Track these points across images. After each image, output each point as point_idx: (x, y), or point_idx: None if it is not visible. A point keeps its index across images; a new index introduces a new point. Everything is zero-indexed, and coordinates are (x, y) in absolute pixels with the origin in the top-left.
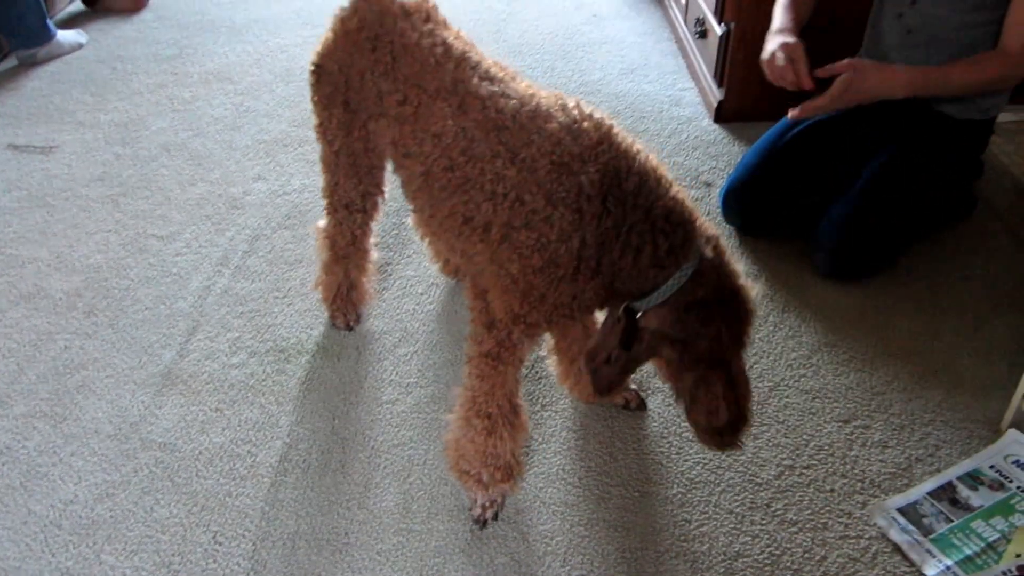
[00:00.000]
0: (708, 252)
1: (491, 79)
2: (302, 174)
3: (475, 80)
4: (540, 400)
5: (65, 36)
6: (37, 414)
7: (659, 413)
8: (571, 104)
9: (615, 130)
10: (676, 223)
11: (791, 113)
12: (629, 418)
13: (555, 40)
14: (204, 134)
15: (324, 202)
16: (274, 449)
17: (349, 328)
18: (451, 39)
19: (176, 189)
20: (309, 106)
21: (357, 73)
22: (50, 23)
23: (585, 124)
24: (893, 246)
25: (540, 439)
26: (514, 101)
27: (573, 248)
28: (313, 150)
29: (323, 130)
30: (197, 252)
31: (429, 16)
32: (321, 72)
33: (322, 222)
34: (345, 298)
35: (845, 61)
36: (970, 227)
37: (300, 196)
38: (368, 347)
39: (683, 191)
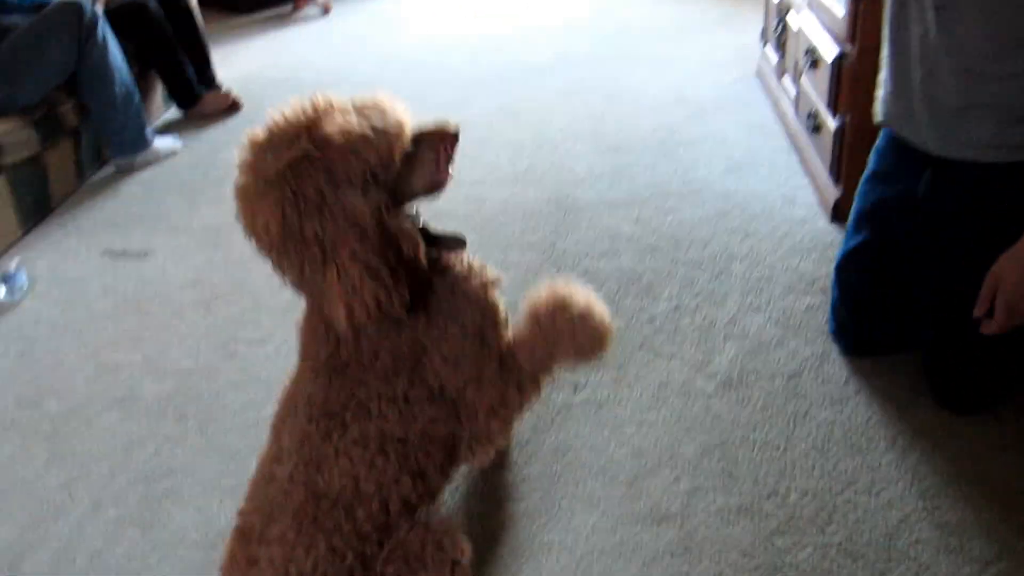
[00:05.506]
0: None
1: None
2: None
3: None
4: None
5: (161, 142)
6: (127, 519)
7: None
8: None
9: None
10: None
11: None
12: (735, 553)
13: (655, 136)
14: None
15: None
16: None
17: None
18: None
19: (266, 293)
20: None
21: None
22: (148, 131)
23: None
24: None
25: (648, 560)
26: None
27: None
28: None
29: None
30: (286, 357)
31: None
32: None
33: None
34: None
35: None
36: None
37: None
38: None
39: None
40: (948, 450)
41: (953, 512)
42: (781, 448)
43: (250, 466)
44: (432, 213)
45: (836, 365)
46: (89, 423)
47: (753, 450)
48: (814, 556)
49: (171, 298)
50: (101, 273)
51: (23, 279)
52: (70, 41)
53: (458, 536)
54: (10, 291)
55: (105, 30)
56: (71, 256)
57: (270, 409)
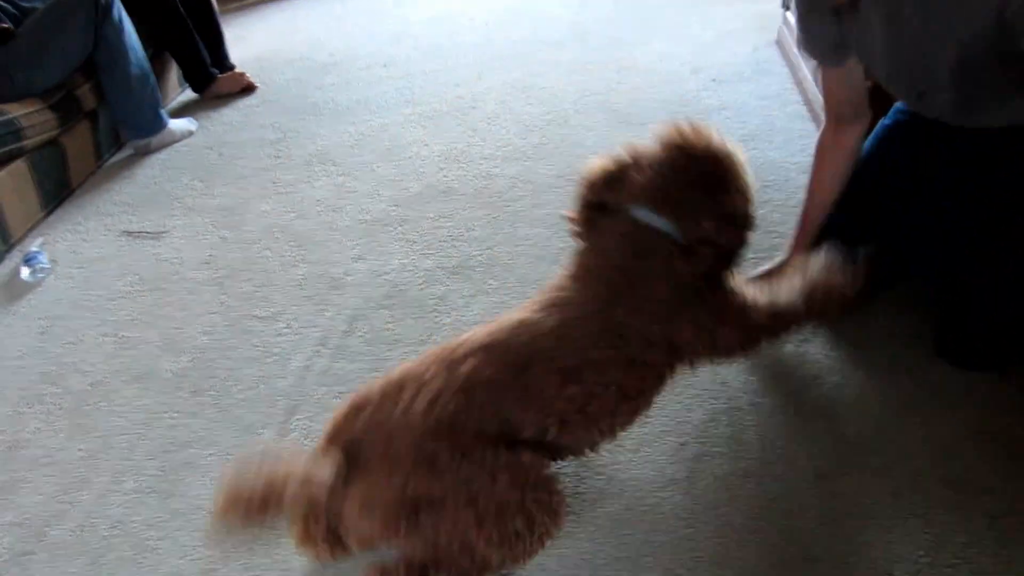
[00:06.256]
0: None
1: None
2: (401, 254)
3: None
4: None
5: (176, 124)
6: (147, 490)
7: (765, 502)
8: None
9: None
10: None
11: None
12: (743, 508)
13: (669, 108)
14: (306, 216)
15: None
16: None
17: None
18: None
19: (278, 270)
20: (409, 184)
21: None
22: (163, 113)
23: None
24: None
25: (649, 531)
26: None
27: None
28: (412, 229)
29: None
30: (298, 332)
31: None
32: None
33: None
34: None
35: None
36: None
37: (399, 276)
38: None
39: None
40: (956, 410)
41: (960, 469)
42: (790, 413)
43: (264, 437)
44: (442, 189)
45: (845, 329)
46: (109, 398)
47: (760, 415)
48: (821, 516)
49: (186, 277)
50: (119, 253)
51: (45, 260)
52: (87, 23)
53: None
54: (33, 272)
55: (121, 12)
56: (90, 237)
57: (282, 383)
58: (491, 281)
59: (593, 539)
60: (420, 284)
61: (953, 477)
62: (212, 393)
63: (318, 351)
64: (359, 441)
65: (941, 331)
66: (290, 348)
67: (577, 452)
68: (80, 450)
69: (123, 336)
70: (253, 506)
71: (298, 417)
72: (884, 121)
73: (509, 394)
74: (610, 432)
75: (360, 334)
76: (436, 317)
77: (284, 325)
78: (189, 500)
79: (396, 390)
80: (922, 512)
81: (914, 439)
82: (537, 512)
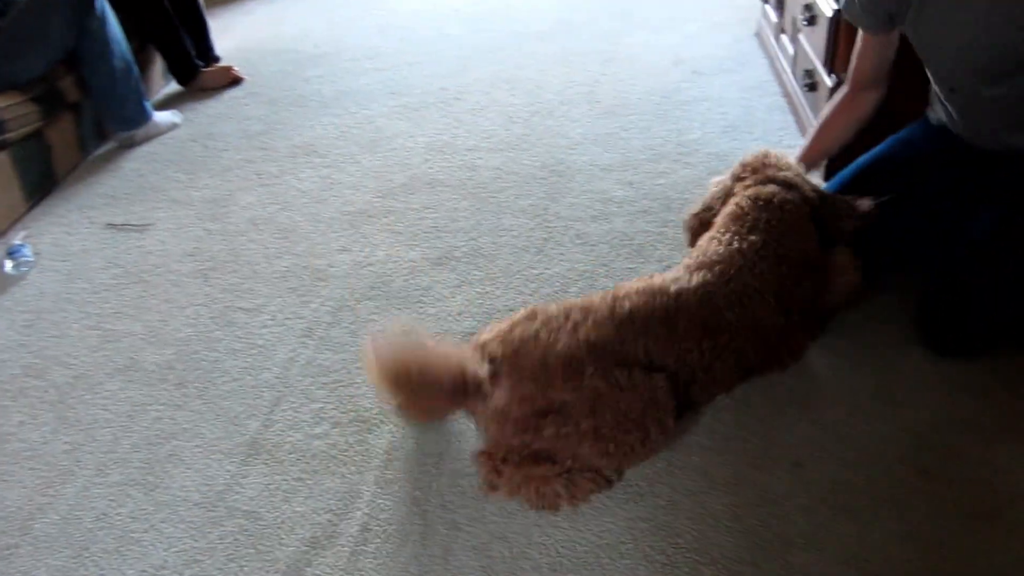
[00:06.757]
0: None
1: None
2: (386, 245)
3: None
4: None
5: (161, 117)
6: (131, 482)
7: (756, 489)
8: None
9: None
10: None
11: None
12: (721, 495)
13: (651, 99)
14: (291, 207)
15: None
16: (355, 519)
17: None
18: None
19: (263, 262)
20: (393, 176)
21: None
22: (147, 105)
23: None
24: (1017, 315)
25: (630, 518)
26: None
27: None
28: (397, 220)
29: None
30: (282, 324)
31: None
32: None
33: None
34: None
35: None
36: None
37: (384, 267)
38: (451, 419)
39: None
40: (931, 397)
41: (934, 457)
42: (766, 402)
43: (248, 429)
44: (427, 180)
45: None
46: (93, 391)
47: (737, 404)
48: (798, 503)
49: (171, 269)
50: (103, 246)
51: (28, 253)
52: (71, 15)
53: None
54: (16, 265)
55: (104, 4)
56: (74, 230)
57: (267, 375)
58: (475, 272)
59: (574, 526)
60: (405, 275)
61: (925, 465)
62: (197, 385)
63: (303, 342)
64: (521, 344)
65: (929, 321)
66: (275, 340)
67: (693, 405)
68: (64, 443)
69: (107, 329)
70: (409, 379)
71: (283, 408)
72: (899, 133)
73: (656, 332)
74: (718, 392)
75: (345, 325)
76: (421, 308)
77: (269, 317)
78: (174, 492)
79: (565, 313)
80: (895, 500)
81: (887, 427)
82: (653, 429)
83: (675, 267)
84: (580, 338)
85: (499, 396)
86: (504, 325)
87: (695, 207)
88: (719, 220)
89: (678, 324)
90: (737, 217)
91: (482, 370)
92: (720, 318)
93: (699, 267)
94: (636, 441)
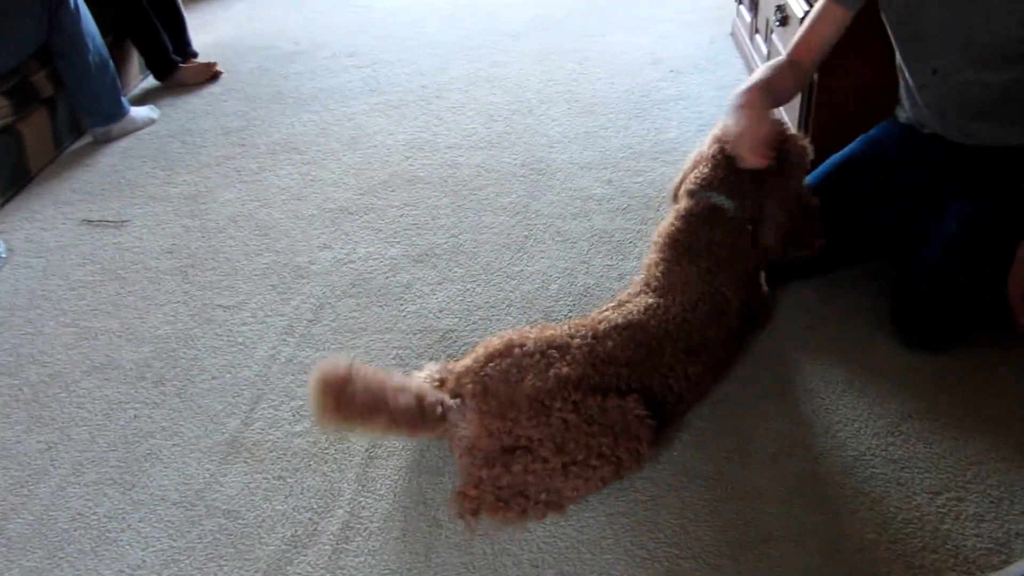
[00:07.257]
0: None
1: None
2: (367, 242)
3: None
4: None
5: (138, 112)
6: (108, 481)
7: (730, 483)
8: None
9: None
10: None
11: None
12: (701, 489)
13: (629, 98)
14: (270, 204)
15: None
16: (336, 517)
17: None
18: None
19: (242, 259)
20: (374, 173)
21: None
22: (124, 100)
23: None
24: (987, 308)
25: (611, 513)
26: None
27: None
28: (377, 217)
29: None
30: (263, 321)
31: None
32: None
33: None
34: None
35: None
36: None
37: (365, 264)
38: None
39: None
40: (901, 389)
41: (905, 447)
42: (742, 396)
43: (228, 427)
44: (407, 177)
45: (797, 310)
46: (69, 389)
47: (713, 400)
48: (774, 496)
49: (148, 266)
50: (79, 242)
51: (1, 249)
52: (40, 10)
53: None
54: None
55: None
56: (49, 226)
57: (246, 372)
58: (456, 269)
59: (555, 522)
60: (386, 272)
61: (897, 456)
62: (175, 383)
63: (284, 340)
64: (491, 381)
65: (904, 315)
66: (255, 337)
67: (669, 420)
68: (38, 442)
69: (83, 326)
70: (356, 405)
71: (263, 406)
72: (870, 132)
73: (641, 370)
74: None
75: (326, 322)
76: (401, 305)
77: (249, 314)
78: (152, 491)
79: (543, 347)
80: (868, 490)
81: (860, 419)
82: (626, 459)
83: (640, 292)
84: (551, 375)
85: (467, 429)
86: (480, 353)
87: (678, 177)
88: (660, 240)
89: (664, 351)
90: (676, 239)
91: (448, 400)
92: (703, 337)
93: (665, 291)
94: (609, 473)
